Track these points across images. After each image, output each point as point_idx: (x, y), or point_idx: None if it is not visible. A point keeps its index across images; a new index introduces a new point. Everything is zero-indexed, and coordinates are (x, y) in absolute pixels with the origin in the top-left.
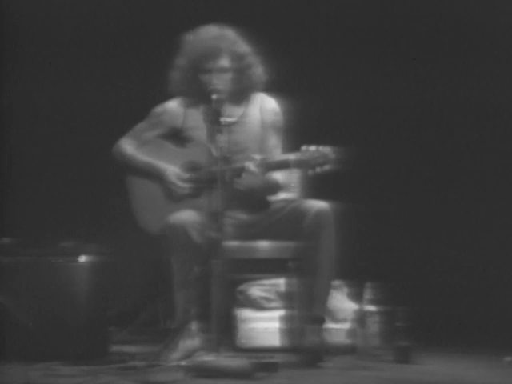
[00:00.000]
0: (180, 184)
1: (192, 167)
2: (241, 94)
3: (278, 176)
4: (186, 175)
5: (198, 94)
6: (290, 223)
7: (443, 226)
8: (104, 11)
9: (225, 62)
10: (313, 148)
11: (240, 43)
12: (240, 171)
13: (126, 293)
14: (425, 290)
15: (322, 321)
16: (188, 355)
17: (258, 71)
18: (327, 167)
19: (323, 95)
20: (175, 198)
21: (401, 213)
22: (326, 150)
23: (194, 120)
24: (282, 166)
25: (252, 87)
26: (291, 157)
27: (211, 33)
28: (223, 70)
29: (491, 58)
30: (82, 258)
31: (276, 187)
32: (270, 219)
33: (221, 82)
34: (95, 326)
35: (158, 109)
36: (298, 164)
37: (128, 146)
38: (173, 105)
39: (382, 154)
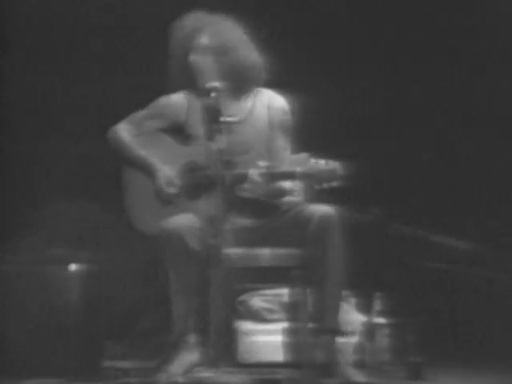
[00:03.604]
0: (166, 190)
1: (191, 168)
2: (239, 88)
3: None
4: (177, 180)
5: (191, 81)
6: (293, 229)
7: (455, 235)
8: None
9: (204, 40)
10: (322, 162)
11: (224, 23)
12: (243, 178)
13: (120, 303)
14: (438, 301)
15: (335, 333)
16: (186, 371)
17: (246, 55)
18: (334, 183)
19: (332, 94)
20: (165, 201)
21: (411, 221)
22: (335, 165)
23: (198, 117)
24: (288, 177)
25: (247, 76)
26: (298, 169)
27: (196, 16)
28: (203, 49)
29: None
30: (73, 267)
31: (280, 193)
32: (271, 225)
33: (204, 63)
34: (86, 340)
35: (162, 100)
36: (305, 177)
37: (125, 133)
38: (177, 98)
39: (391, 161)
